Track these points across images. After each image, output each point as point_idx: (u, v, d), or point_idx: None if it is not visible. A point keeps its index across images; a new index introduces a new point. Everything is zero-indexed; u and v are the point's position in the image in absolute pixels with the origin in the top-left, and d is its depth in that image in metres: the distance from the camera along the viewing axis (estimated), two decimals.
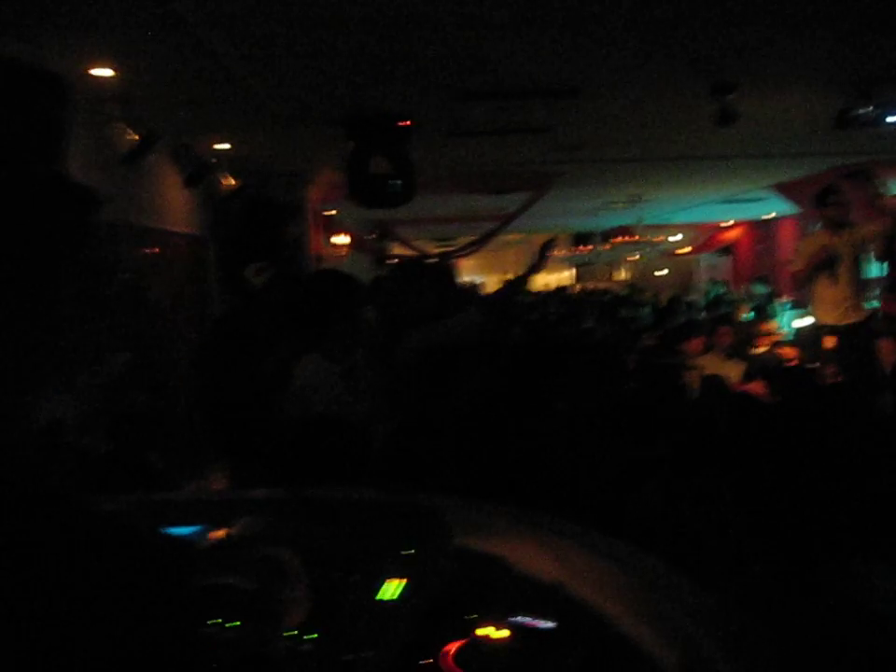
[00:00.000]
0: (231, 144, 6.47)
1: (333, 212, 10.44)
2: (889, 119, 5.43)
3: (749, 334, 6.32)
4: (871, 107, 5.25)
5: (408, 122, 5.44)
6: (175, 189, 6.39)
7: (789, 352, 5.42)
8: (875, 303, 6.72)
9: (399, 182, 5.67)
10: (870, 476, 1.81)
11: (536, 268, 4.43)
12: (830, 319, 6.03)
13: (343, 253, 9.76)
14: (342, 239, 9.78)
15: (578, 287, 21.66)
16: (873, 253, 6.09)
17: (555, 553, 1.69)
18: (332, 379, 3.09)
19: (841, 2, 3.86)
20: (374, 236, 14.52)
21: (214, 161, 6.41)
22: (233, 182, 6.82)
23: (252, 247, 7.42)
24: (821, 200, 6.28)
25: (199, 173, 6.30)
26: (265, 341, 4.26)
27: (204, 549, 1.75)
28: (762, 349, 5.78)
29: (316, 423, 2.59)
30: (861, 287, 6.07)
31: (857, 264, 6.11)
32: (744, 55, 4.71)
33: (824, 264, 6.04)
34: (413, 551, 1.75)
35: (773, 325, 6.06)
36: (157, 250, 6.10)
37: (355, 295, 3.22)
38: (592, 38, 4.30)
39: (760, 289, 14.70)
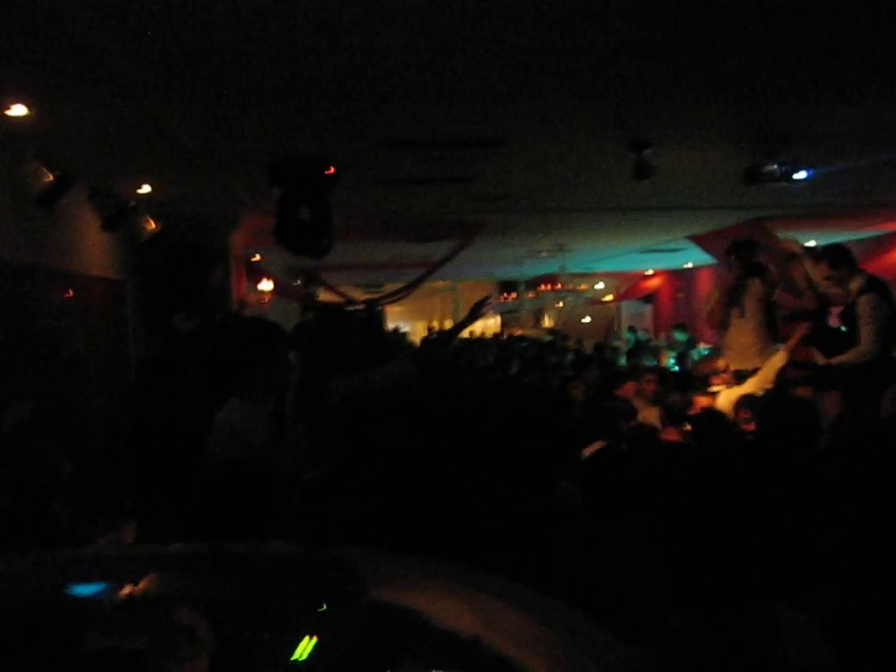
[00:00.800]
0: (153, 187, 6.37)
1: (258, 257, 10.35)
2: (797, 177, 5.69)
3: (697, 377, 6.44)
4: (776, 165, 5.50)
5: (332, 169, 5.45)
6: (94, 231, 6.25)
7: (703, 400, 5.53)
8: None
9: (320, 230, 5.66)
10: (783, 523, 1.85)
11: (466, 324, 4.49)
12: (738, 364, 6.24)
13: (267, 299, 9.67)
14: (265, 285, 9.69)
15: (505, 333, 21.89)
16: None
17: (472, 606, 1.67)
18: (254, 424, 3.07)
19: (749, 66, 4.05)
20: (300, 282, 14.45)
21: (133, 204, 6.30)
22: (155, 226, 6.70)
23: (176, 293, 7.31)
24: (731, 252, 6.58)
25: (118, 216, 6.17)
26: (189, 388, 4.18)
27: (106, 609, 1.67)
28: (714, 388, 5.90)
29: (232, 470, 2.53)
30: (770, 331, 6.29)
31: (765, 309, 6.34)
32: (659, 112, 4.89)
33: (733, 300, 6.32)
34: (325, 607, 1.71)
35: (721, 363, 6.23)
36: (72, 294, 5.93)
37: (276, 341, 3.21)
38: (515, 91, 4.41)
39: (680, 336, 15.11)
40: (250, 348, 3.15)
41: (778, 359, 5.43)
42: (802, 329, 5.60)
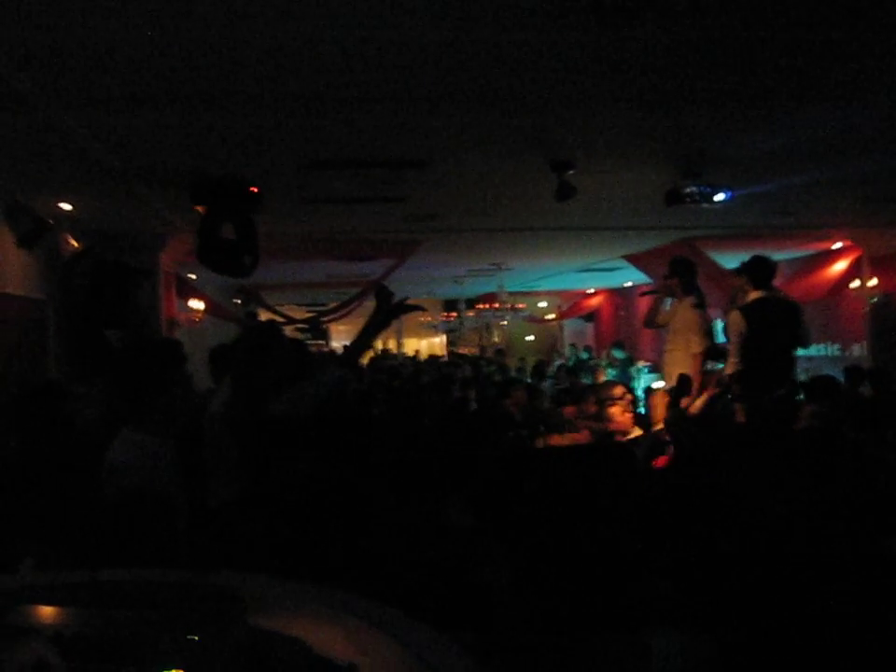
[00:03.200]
0: (74, 205, 6.24)
1: (192, 276, 10.20)
2: (716, 198, 5.82)
3: (598, 399, 6.50)
4: (696, 187, 5.61)
5: (255, 189, 5.40)
6: (10, 249, 6.07)
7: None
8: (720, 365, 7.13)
9: (243, 250, 5.60)
10: (652, 548, 1.86)
11: (380, 321, 4.25)
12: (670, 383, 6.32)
13: (199, 318, 9.51)
14: (196, 304, 9.53)
15: (447, 351, 21.95)
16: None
17: (350, 634, 1.65)
18: (149, 456, 2.91)
19: (668, 89, 4.11)
20: (239, 302, 14.29)
21: (52, 222, 6.14)
22: (77, 244, 6.56)
23: (99, 312, 7.15)
24: (673, 267, 6.70)
25: (34, 233, 6.00)
26: (84, 416, 4.05)
27: None
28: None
29: (120, 500, 2.46)
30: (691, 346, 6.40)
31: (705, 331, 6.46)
32: (580, 134, 4.95)
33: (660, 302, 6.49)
34: (195, 637, 1.66)
35: (619, 389, 6.28)
36: None
37: (171, 365, 3.06)
38: (436, 113, 4.43)
39: (618, 354, 15.29)
40: (143, 374, 2.96)
41: (698, 405, 5.50)
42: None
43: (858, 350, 11.02)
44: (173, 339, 3.37)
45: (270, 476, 3.29)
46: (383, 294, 4.10)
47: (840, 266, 10.48)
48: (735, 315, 5.76)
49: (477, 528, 2.23)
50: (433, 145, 5.10)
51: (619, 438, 5.43)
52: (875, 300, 9.83)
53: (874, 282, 9.80)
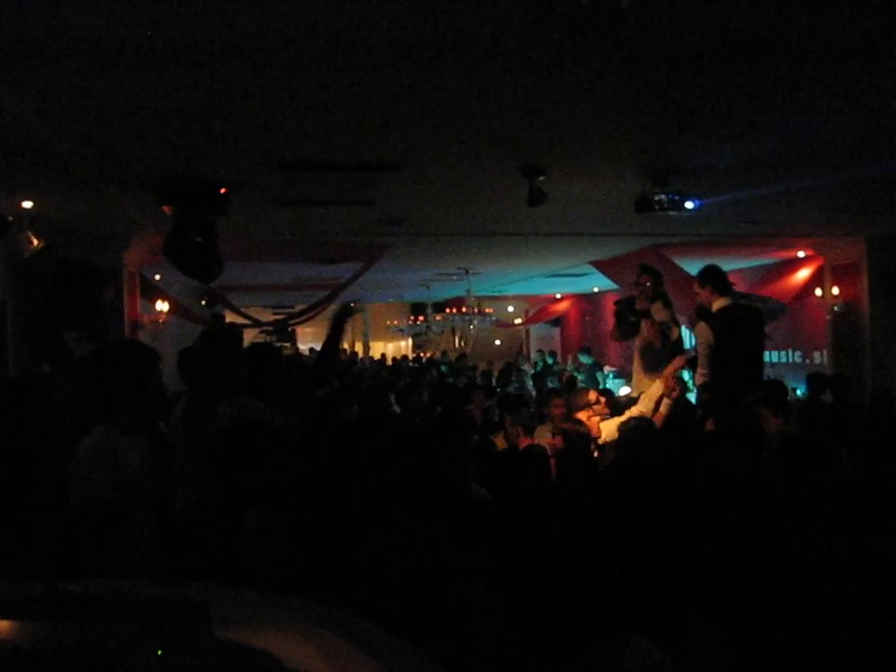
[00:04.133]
0: (35, 203, 6.10)
1: (157, 277, 10.05)
2: (688, 206, 5.87)
3: (569, 405, 6.52)
4: (665, 195, 5.65)
5: (224, 190, 5.33)
6: None
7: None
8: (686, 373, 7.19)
9: (210, 252, 5.52)
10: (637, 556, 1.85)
11: (334, 338, 4.43)
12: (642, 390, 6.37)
13: (163, 320, 9.37)
14: (161, 305, 9.40)
15: (413, 355, 21.90)
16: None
17: (320, 646, 1.61)
18: (119, 454, 2.90)
19: (638, 97, 4.13)
20: (204, 303, 14.11)
21: (12, 219, 6.00)
22: (38, 243, 6.41)
23: (61, 312, 7.00)
24: (643, 273, 6.75)
25: None
26: (50, 415, 3.96)
27: None
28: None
29: (86, 508, 2.40)
30: (654, 360, 6.44)
31: (656, 338, 6.50)
32: (551, 141, 4.96)
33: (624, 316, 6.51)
34: (161, 651, 1.62)
35: (592, 395, 6.28)
36: None
37: (148, 365, 3.04)
38: (407, 116, 4.40)
39: (585, 359, 15.37)
40: (116, 374, 2.97)
41: (655, 389, 5.57)
42: (679, 361, 5.79)
43: (819, 358, 11.19)
44: (143, 343, 3.33)
45: (232, 480, 3.24)
46: (344, 314, 4.29)
47: (803, 274, 10.65)
48: (702, 327, 5.81)
49: (447, 538, 2.20)
50: (404, 148, 5.08)
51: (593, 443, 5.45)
52: (837, 308, 9.99)
53: (835, 291, 9.96)
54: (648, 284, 6.54)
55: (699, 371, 5.79)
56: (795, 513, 2.84)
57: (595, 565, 1.69)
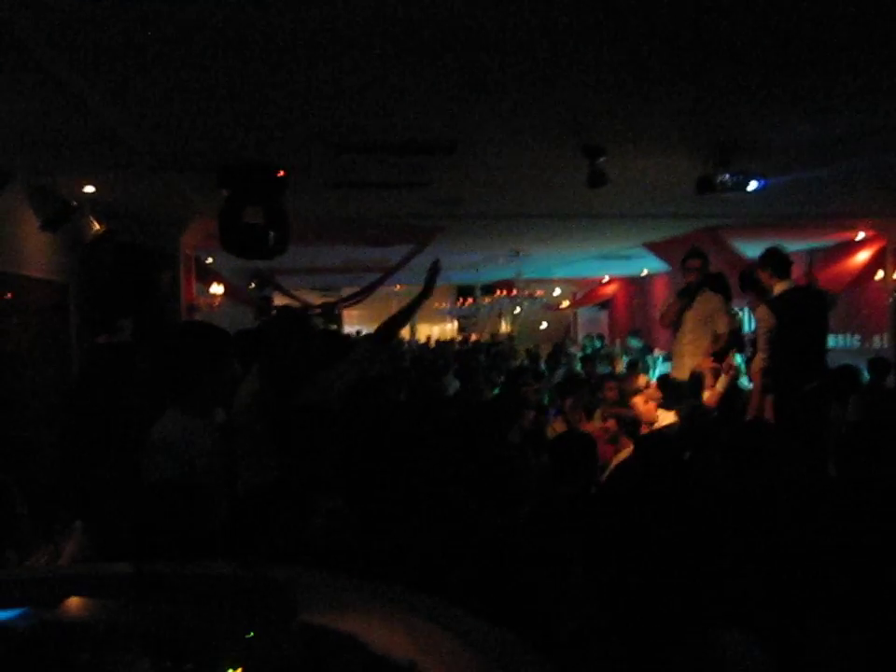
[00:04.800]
0: (97, 187, 6.19)
1: (209, 260, 10.16)
2: (749, 187, 5.74)
3: (622, 390, 6.47)
4: (728, 175, 5.53)
5: (282, 173, 5.34)
6: (33, 232, 6.04)
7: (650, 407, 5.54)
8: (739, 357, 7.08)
9: (272, 233, 5.54)
10: (728, 547, 1.81)
11: (426, 293, 4.30)
12: (680, 373, 6.30)
13: (218, 303, 9.48)
14: (216, 288, 9.50)
15: (460, 337, 21.89)
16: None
17: (408, 630, 1.61)
18: (193, 438, 2.90)
19: (701, 76, 4.05)
20: (254, 286, 14.24)
21: (76, 204, 6.10)
22: (100, 227, 6.51)
23: (121, 295, 7.12)
24: (686, 255, 6.65)
25: (58, 216, 5.96)
26: (131, 396, 4.02)
27: (25, 634, 1.59)
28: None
29: (162, 488, 2.42)
30: (718, 340, 6.34)
31: (716, 317, 6.40)
32: (612, 121, 4.88)
33: (689, 300, 6.39)
34: (252, 633, 1.63)
35: (642, 379, 6.22)
36: (9, 296, 5.72)
37: (222, 348, 3.04)
38: (467, 97, 4.36)
39: (634, 343, 15.20)
40: (192, 356, 2.95)
41: (720, 385, 5.49)
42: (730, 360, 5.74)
43: (878, 342, 10.92)
44: (217, 326, 3.30)
45: (303, 464, 3.25)
46: (434, 269, 4.19)
47: (863, 256, 10.36)
48: (763, 310, 5.68)
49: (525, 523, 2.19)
50: (462, 129, 5.04)
51: (646, 427, 5.39)
52: None
53: None
54: (699, 267, 6.46)
55: (759, 355, 5.68)
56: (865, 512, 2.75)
57: (687, 553, 1.66)
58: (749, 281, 6.25)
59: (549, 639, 1.67)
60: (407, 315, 4.31)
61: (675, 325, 6.58)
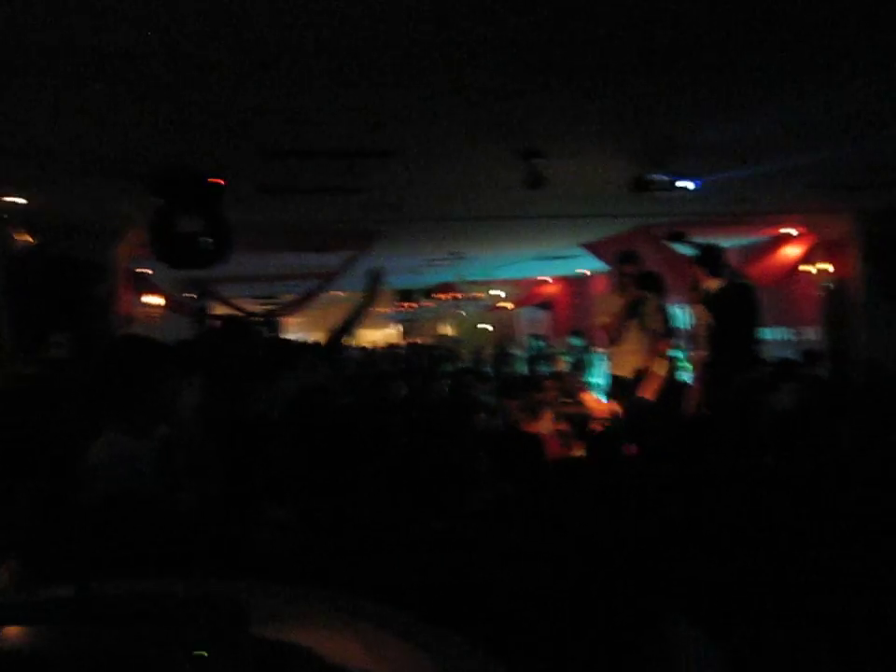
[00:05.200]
0: (26, 198, 6.02)
1: (148, 271, 9.95)
2: (686, 185, 5.87)
3: (563, 389, 6.55)
4: (661, 175, 5.64)
5: (218, 180, 5.26)
6: None
7: (598, 405, 5.64)
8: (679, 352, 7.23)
9: (209, 241, 5.46)
10: (680, 541, 1.84)
11: (369, 301, 4.26)
12: (623, 371, 6.43)
13: (157, 314, 9.29)
14: (154, 299, 9.31)
15: (405, 342, 21.86)
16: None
17: (362, 639, 1.60)
18: (132, 460, 2.79)
19: (635, 76, 4.11)
20: (194, 296, 13.99)
21: (6, 216, 5.92)
22: (29, 238, 6.33)
23: (53, 310, 6.93)
24: (620, 261, 6.79)
25: None
26: (63, 415, 3.90)
27: None
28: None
29: (101, 508, 2.35)
30: (656, 337, 6.48)
31: (654, 316, 6.54)
32: (548, 122, 4.93)
33: (632, 312, 6.49)
34: (203, 652, 1.60)
35: (580, 379, 6.35)
36: None
37: (158, 362, 2.94)
38: (401, 103, 4.36)
39: (576, 342, 15.38)
40: (129, 372, 2.84)
41: (661, 370, 5.62)
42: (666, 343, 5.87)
43: (811, 334, 11.25)
44: (153, 338, 3.19)
45: (249, 476, 3.21)
46: (376, 276, 4.16)
47: (795, 252, 10.66)
48: (699, 308, 5.84)
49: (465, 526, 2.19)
50: (397, 134, 5.03)
51: (595, 424, 5.47)
52: (829, 284, 10.03)
53: (826, 267, 10.00)
54: (633, 273, 6.61)
55: (698, 351, 5.82)
56: (799, 496, 2.82)
57: (637, 548, 1.68)
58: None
59: (500, 639, 1.68)
60: (352, 324, 4.29)
61: (618, 339, 6.72)
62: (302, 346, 7.19)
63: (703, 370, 5.78)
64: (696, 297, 6.09)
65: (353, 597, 1.82)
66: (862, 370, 8.36)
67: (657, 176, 5.70)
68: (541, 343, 17.24)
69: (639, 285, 6.57)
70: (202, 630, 1.64)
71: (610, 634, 1.59)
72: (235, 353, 3.85)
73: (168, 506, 2.84)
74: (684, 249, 7.01)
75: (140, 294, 9.28)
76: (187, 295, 13.31)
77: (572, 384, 6.39)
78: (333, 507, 2.91)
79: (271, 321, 19.71)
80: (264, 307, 18.12)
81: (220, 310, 14.07)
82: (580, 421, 5.55)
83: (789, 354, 9.12)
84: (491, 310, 19.55)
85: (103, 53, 3.36)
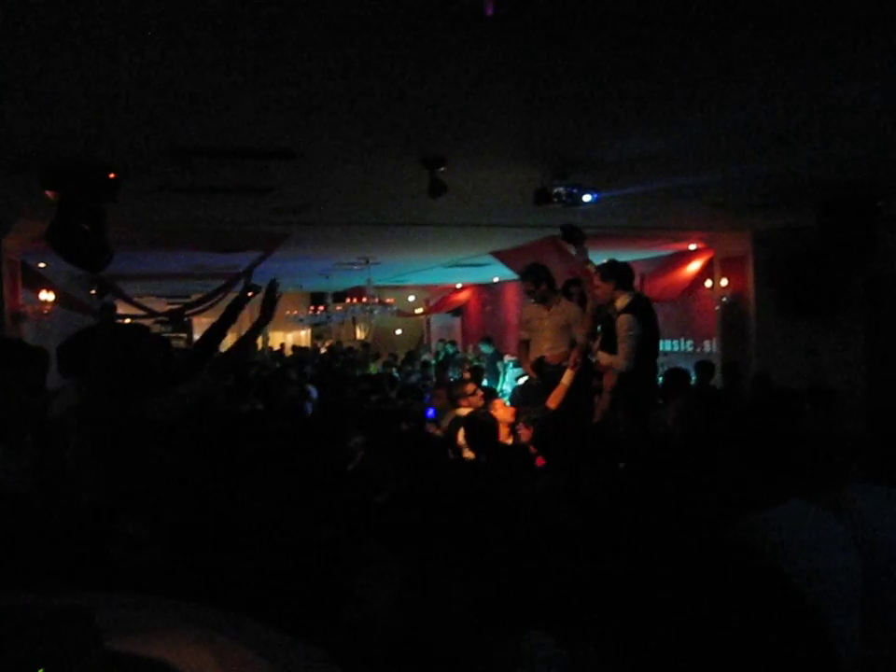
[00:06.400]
0: None
1: (42, 265, 9.57)
2: (586, 199, 5.97)
3: (454, 394, 6.54)
4: (563, 188, 5.74)
5: (112, 175, 5.10)
6: None
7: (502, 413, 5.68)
8: None
9: (98, 240, 5.27)
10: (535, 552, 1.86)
11: (265, 317, 4.20)
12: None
13: (48, 311, 8.93)
14: (46, 295, 8.95)
15: (318, 346, 21.66)
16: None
17: (217, 652, 1.56)
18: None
19: (537, 89, 4.16)
20: (94, 293, 13.52)
21: None
22: None
23: None
24: (525, 276, 6.87)
25: None
26: None
27: None
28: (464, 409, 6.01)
29: None
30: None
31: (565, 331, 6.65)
32: (451, 132, 4.96)
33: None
34: (41, 670, 1.54)
35: (470, 386, 6.39)
36: None
37: (25, 366, 2.82)
38: (303, 104, 4.31)
39: (486, 349, 15.53)
40: None
41: (566, 379, 5.69)
42: (576, 353, 5.95)
43: (709, 346, 11.65)
44: (13, 340, 3.06)
45: (136, 480, 3.11)
46: (271, 290, 4.11)
47: (694, 266, 11.03)
48: (628, 318, 5.87)
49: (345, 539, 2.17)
50: (302, 136, 4.98)
51: (505, 427, 5.52)
52: (725, 299, 10.41)
53: (724, 282, 10.37)
54: (546, 291, 6.71)
55: (621, 361, 5.82)
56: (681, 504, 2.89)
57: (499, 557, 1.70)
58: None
59: (363, 649, 1.67)
60: (247, 342, 4.21)
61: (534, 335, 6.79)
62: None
63: (621, 381, 5.84)
64: (605, 309, 6.19)
65: (209, 609, 1.78)
66: (753, 383, 8.68)
67: (559, 189, 5.79)
68: (451, 349, 17.34)
69: (543, 301, 6.69)
70: (48, 643, 1.58)
71: (466, 643, 1.60)
72: (121, 354, 3.71)
73: (26, 510, 2.73)
74: (590, 261, 7.13)
75: (32, 289, 8.90)
76: (88, 292, 12.87)
77: (458, 390, 6.42)
78: (215, 514, 2.84)
79: (178, 320, 19.25)
80: (170, 306, 17.67)
81: (123, 308, 13.65)
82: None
83: (689, 365, 9.40)
84: (402, 315, 19.57)
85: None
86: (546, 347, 6.68)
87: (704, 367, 8.75)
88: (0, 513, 2.31)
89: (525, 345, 6.95)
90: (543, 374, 6.50)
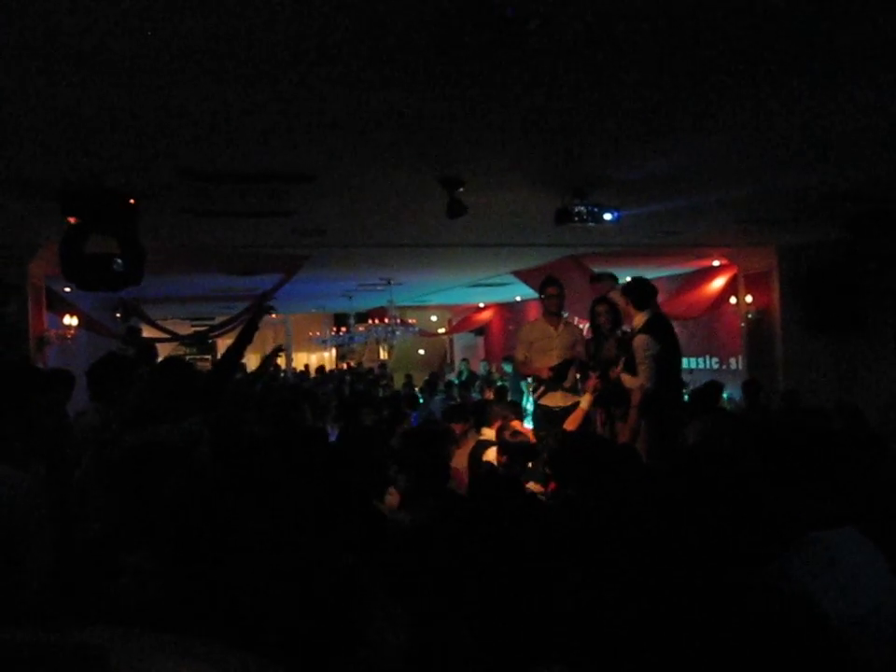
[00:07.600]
0: None
1: (66, 289, 9.64)
2: (607, 217, 5.92)
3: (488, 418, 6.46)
4: (584, 207, 5.69)
5: (132, 200, 5.12)
6: None
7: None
8: None
9: (121, 262, 5.29)
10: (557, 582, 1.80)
11: (264, 368, 4.27)
12: (551, 402, 6.44)
13: (71, 335, 8.98)
14: (70, 320, 9.01)
15: (342, 366, 21.70)
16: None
17: None
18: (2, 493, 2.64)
19: (556, 110, 4.13)
20: (119, 316, 13.62)
21: None
22: None
23: None
24: (547, 283, 6.81)
25: None
26: None
27: None
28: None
29: None
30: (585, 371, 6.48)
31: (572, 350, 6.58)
32: (470, 154, 4.93)
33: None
34: None
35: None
36: None
37: (36, 390, 2.81)
38: (322, 127, 4.30)
39: (508, 368, 15.42)
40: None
41: (585, 403, 5.59)
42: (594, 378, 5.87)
43: (735, 363, 11.49)
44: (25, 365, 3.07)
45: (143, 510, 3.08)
46: (274, 353, 4.17)
47: (719, 283, 10.90)
48: (644, 338, 5.78)
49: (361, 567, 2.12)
50: (321, 159, 4.97)
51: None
52: (750, 315, 10.27)
53: (749, 299, 10.24)
54: (555, 294, 6.66)
55: (640, 381, 5.72)
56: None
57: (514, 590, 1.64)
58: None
59: None
60: (233, 362, 4.26)
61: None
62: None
63: (646, 401, 5.74)
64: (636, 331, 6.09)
65: (219, 644, 1.75)
66: (781, 400, 8.54)
67: (580, 208, 5.74)
68: (462, 367, 17.26)
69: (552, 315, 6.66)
70: None
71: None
72: (145, 380, 3.71)
73: (47, 539, 2.71)
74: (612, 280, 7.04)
75: (57, 313, 8.97)
76: (113, 315, 12.97)
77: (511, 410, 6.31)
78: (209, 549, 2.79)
79: (203, 342, 19.37)
80: (194, 328, 17.79)
81: (148, 331, 13.73)
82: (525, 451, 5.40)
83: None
84: (426, 335, 19.55)
85: (18, 65, 3.23)
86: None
87: (751, 385, 8.68)
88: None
89: (524, 365, 6.87)
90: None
